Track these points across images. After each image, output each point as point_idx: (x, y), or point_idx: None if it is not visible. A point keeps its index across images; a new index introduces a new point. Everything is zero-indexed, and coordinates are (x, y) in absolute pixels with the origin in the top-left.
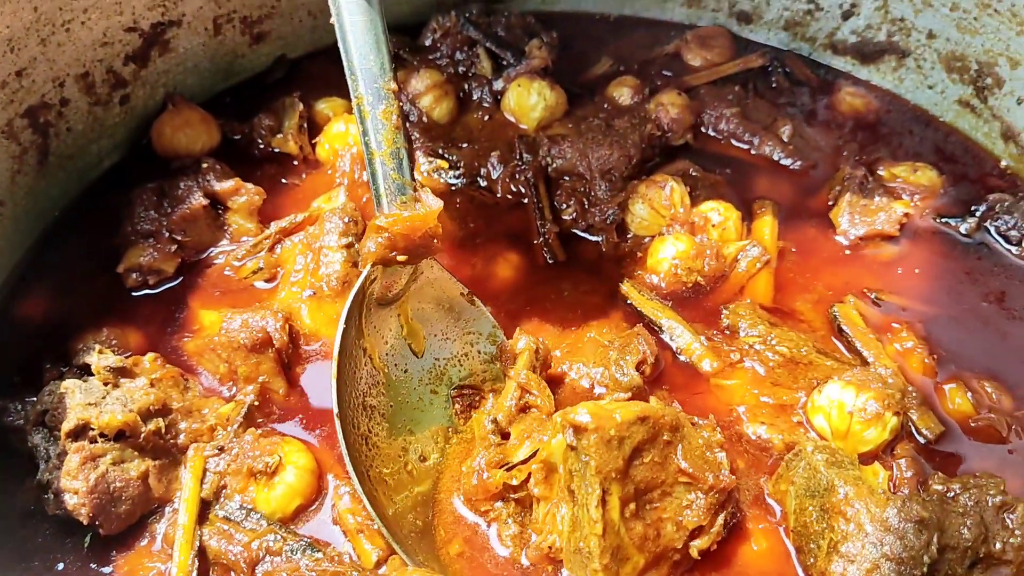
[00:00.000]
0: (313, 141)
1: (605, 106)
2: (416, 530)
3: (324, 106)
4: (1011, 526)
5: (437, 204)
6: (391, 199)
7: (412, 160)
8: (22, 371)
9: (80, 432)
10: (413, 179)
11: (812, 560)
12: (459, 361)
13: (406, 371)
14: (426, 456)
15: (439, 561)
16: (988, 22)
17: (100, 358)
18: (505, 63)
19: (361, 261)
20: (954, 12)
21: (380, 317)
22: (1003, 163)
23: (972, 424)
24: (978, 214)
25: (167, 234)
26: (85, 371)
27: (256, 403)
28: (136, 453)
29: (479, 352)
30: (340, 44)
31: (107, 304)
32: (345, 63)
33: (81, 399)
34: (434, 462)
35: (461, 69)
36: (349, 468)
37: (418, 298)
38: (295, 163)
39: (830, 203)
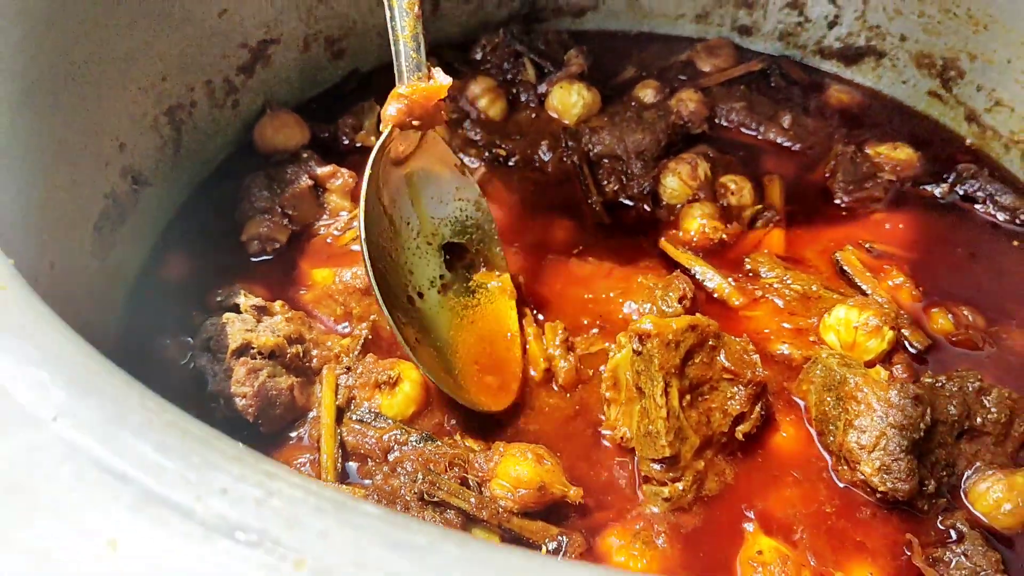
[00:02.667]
0: None
1: (633, 104)
2: (432, 359)
3: None
4: (988, 405)
5: (447, 80)
6: (410, 74)
7: (428, 44)
8: (171, 318)
9: (242, 351)
10: (427, 60)
11: (832, 438)
12: (449, 223)
13: (408, 223)
14: (422, 292)
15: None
16: (949, 24)
17: (246, 299)
18: (546, 71)
19: (383, 123)
20: (921, 18)
21: (393, 175)
22: (968, 141)
23: (953, 339)
24: (949, 181)
25: (279, 210)
26: (231, 311)
27: (369, 336)
28: (284, 370)
29: (467, 216)
30: None
31: (233, 267)
32: None
33: (240, 327)
34: (429, 301)
35: (509, 77)
36: (372, 282)
37: (422, 162)
38: None
39: (827, 175)
